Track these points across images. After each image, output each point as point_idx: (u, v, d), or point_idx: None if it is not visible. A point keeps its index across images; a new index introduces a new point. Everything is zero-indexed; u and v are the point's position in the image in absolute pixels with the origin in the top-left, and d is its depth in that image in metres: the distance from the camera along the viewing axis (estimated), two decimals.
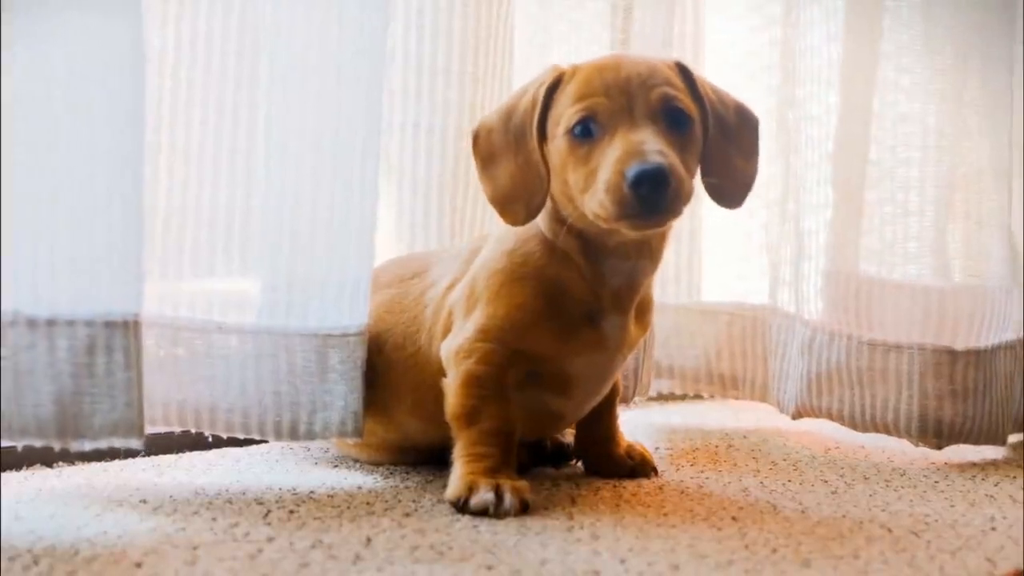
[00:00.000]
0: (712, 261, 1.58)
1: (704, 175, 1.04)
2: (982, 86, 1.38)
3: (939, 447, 1.33)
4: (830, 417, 1.38)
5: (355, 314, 1.09)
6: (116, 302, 0.95)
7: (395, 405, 1.12)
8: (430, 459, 1.16)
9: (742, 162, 1.07)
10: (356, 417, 1.09)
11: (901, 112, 1.37)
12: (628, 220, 0.95)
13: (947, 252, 1.38)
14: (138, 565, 0.81)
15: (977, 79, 1.38)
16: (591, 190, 0.96)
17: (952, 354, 1.32)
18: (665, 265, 1.43)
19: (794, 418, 1.41)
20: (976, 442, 1.33)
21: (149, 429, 1.13)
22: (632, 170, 0.92)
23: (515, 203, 1.03)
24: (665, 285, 1.52)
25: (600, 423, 1.17)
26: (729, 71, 1.54)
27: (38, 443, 0.92)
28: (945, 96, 1.37)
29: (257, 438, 1.11)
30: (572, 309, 1.04)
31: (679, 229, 1.55)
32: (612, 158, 0.94)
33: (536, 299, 1.04)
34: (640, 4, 1.38)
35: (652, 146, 0.94)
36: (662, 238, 1.06)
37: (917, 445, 1.34)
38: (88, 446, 0.94)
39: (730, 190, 1.06)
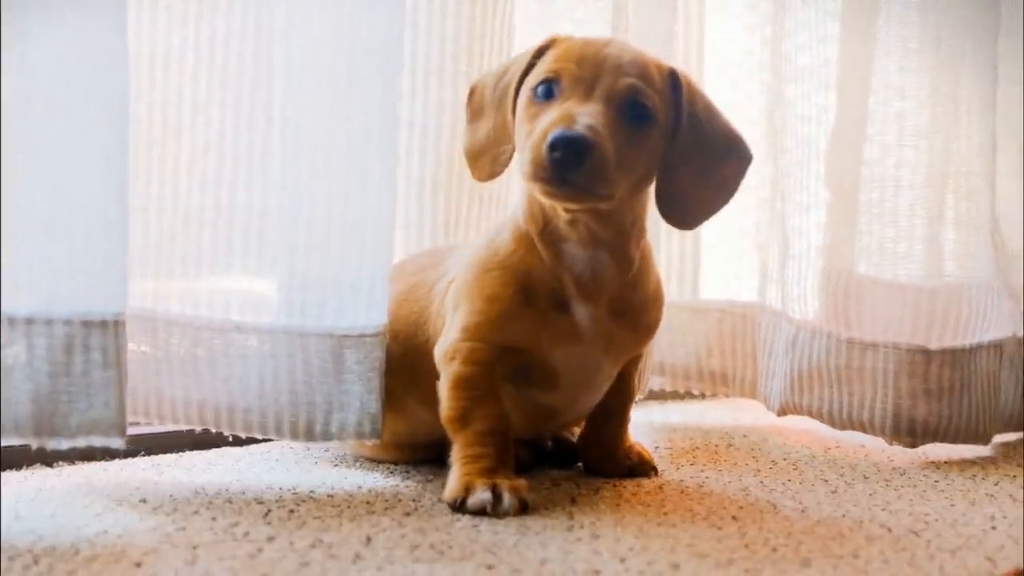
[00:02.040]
0: (710, 259, 1.58)
1: (659, 182, 1.03)
2: (973, 85, 1.38)
3: (913, 446, 1.32)
4: (811, 414, 1.38)
5: (372, 314, 1.08)
6: (95, 301, 0.94)
7: (406, 393, 1.12)
8: (435, 457, 1.16)
9: (708, 190, 1.05)
10: (373, 418, 1.09)
11: (894, 111, 1.37)
12: (541, 184, 0.96)
13: (940, 252, 1.38)
14: (138, 565, 0.81)
15: (969, 78, 1.37)
16: (522, 148, 0.98)
17: (927, 353, 1.31)
18: (663, 264, 1.45)
19: (779, 415, 1.41)
20: (954, 441, 1.32)
21: (170, 427, 1.13)
22: (553, 134, 0.93)
23: (483, 157, 1.06)
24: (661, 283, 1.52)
25: (608, 425, 1.17)
26: (729, 68, 1.54)
27: (15, 441, 0.92)
28: (935, 96, 1.36)
29: (275, 438, 1.11)
30: (541, 296, 1.04)
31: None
32: (546, 121, 0.96)
33: (506, 288, 1.04)
34: (639, 1, 1.38)
35: (585, 119, 0.94)
36: (617, 234, 1.04)
37: (891, 443, 1.33)
38: (65, 445, 0.93)
39: (680, 210, 1.05)
